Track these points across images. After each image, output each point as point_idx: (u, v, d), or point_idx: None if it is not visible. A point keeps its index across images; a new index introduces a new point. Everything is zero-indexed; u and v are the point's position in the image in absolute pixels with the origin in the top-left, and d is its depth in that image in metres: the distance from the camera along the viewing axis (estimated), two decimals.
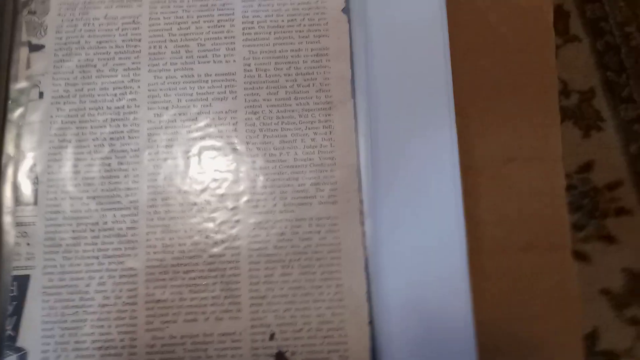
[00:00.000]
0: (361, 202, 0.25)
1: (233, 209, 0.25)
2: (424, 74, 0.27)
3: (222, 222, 0.25)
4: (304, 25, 0.27)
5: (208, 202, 0.25)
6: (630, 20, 0.59)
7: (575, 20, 0.60)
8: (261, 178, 0.26)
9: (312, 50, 0.27)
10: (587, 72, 0.57)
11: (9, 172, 0.26)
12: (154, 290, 0.24)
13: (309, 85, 0.27)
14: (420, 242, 0.25)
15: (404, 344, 0.24)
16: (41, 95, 0.27)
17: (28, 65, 0.27)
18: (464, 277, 0.25)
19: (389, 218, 0.25)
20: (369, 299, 0.24)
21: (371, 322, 0.24)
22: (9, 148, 0.26)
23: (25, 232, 0.25)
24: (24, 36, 0.27)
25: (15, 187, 0.26)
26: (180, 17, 0.27)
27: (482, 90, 0.28)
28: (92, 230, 0.25)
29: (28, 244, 0.25)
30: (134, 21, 0.27)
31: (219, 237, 0.25)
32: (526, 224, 0.27)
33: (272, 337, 0.24)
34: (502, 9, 0.29)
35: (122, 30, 0.27)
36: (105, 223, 0.25)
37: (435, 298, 0.24)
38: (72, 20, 0.27)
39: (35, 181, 0.26)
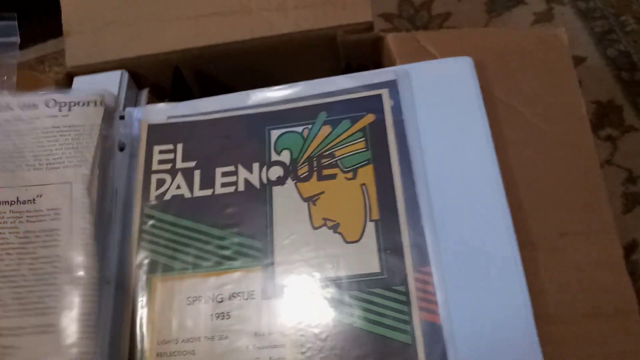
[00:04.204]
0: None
1: None
2: (473, 166, 0.31)
3: None
4: None
5: None
6: None
7: (628, 111, 0.63)
8: None
9: None
10: None
11: None
12: None
13: None
14: (488, 312, 0.28)
15: None
16: None
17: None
18: (533, 345, 0.27)
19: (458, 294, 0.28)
20: None
21: None
22: None
23: None
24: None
25: None
26: None
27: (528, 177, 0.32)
28: None
29: None
30: None
31: None
32: (588, 292, 0.29)
33: None
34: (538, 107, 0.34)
35: None
36: None
37: None
38: None
39: None
